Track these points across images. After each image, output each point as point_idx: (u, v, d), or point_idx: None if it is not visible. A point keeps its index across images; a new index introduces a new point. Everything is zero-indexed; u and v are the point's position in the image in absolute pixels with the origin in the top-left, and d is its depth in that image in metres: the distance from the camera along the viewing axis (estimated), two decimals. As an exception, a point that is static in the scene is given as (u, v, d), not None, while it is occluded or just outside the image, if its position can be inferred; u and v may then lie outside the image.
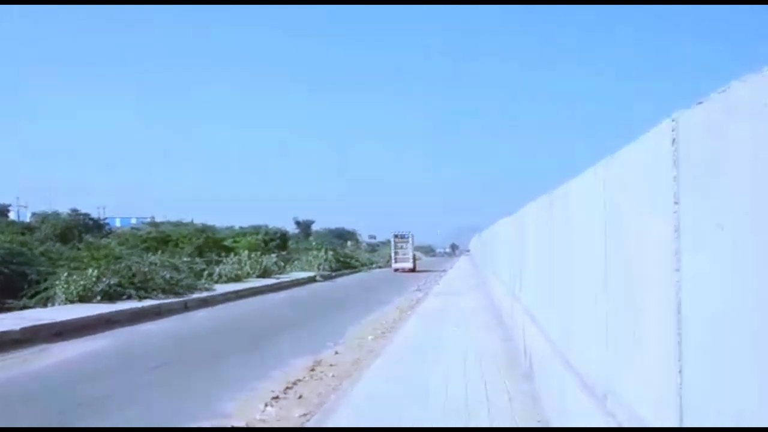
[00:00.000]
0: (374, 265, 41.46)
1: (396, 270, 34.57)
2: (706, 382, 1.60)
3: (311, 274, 26.96)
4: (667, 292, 1.83)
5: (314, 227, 55.74)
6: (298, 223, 54.18)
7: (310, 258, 30.89)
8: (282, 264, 27.61)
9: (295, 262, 31.24)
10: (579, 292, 3.32)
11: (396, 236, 35.89)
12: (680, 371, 1.73)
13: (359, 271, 35.53)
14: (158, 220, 42.51)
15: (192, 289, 16.61)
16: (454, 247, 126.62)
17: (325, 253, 31.32)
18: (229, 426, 5.08)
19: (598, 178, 2.83)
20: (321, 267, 28.64)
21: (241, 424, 5.17)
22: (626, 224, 2.35)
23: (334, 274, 29.49)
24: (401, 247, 35.75)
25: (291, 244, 41.98)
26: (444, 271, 35.31)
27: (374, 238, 70.68)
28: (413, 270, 34.56)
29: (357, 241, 59.00)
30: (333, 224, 58.98)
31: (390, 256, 36.52)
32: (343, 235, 54.00)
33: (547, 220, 4.52)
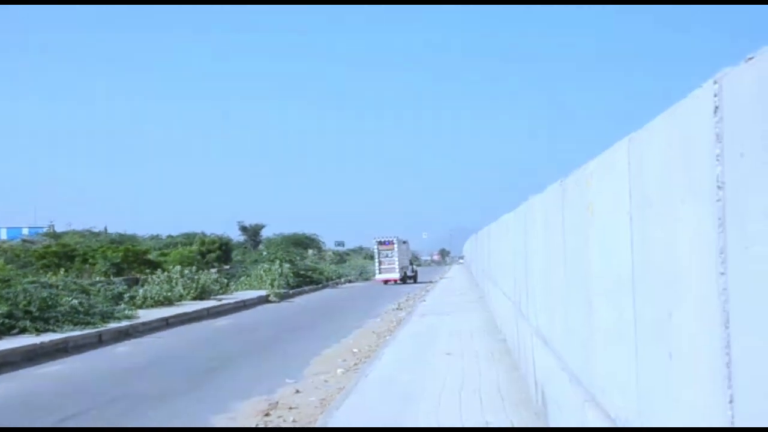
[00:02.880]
0: (343, 279, 41.29)
1: (384, 282, 36.77)
2: (766, 414, 1.59)
3: (263, 293, 26.68)
4: (710, 301, 1.83)
5: (265, 233, 55.00)
6: (244, 229, 53.31)
7: (261, 272, 30.36)
8: (225, 281, 27.29)
9: (242, 278, 30.89)
10: (600, 306, 3.33)
11: (380, 243, 37.60)
12: (731, 401, 1.72)
13: (325, 287, 35.40)
14: (59, 229, 41.58)
15: (108, 317, 16.31)
16: (443, 253, 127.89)
17: (280, 265, 30.82)
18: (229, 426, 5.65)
19: (621, 159, 2.84)
20: (275, 283, 28.25)
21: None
22: (657, 217, 2.36)
23: (292, 291, 29.25)
24: (386, 255, 37.42)
25: (236, 255, 41.53)
26: (431, 283, 35.61)
27: (342, 245, 70.35)
28: (405, 280, 37.11)
29: (320, 249, 58.31)
30: (288, 228, 58.14)
31: (376, 266, 38.47)
32: (302, 243, 53.18)
33: (558, 215, 4.56)
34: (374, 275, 38.61)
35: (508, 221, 9.71)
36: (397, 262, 37.15)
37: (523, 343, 7.55)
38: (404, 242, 39.35)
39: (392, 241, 37.61)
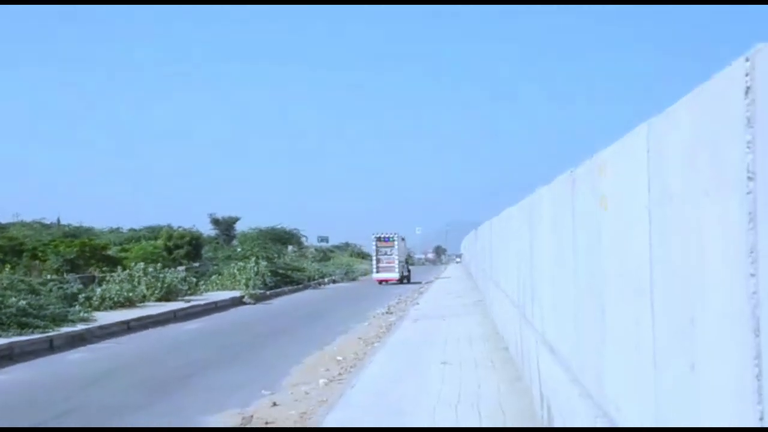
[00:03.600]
0: (327, 279, 41.23)
1: (380, 281, 38.01)
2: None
3: (236, 293, 26.62)
4: (738, 306, 1.82)
5: (240, 227, 54.71)
6: (216, 222, 52.90)
7: (235, 270, 30.26)
8: (194, 280, 27.19)
9: (213, 277, 30.78)
10: (614, 311, 3.34)
11: (378, 239, 38.96)
12: (761, 418, 1.72)
13: (306, 287, 35.37)
14: (4, 220, 41.26)
15: (61, 320, 16.21)
16: (439, 251, 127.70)
17: (256, 263, 30.68)
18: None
19: (639, 146, 2.84)
20: (251, 283, 28.12)
21: None
22: (679, 212, 2.35)
23: (269, 292, 29.21)
24: (384, 253, 38.83)
25: (207, 251, 41.38)
26: (425, 284, 35.70)
27: (325, 241, 70.18)
28: (401, 281, 38.28)
29: (301, 245, 58.21)
30: (266, 222, 57.75)
31: (373, 264, 39.80)
32: (281, 238, 53.02)
33: (568, 210, 4.58)
34: (370, 274, 39.89)
35: (511, 216, 9.72)
36: (396, 261, 38.38)
37: (528, 352, 7.57)
38: (402, 239, 40.33)
39: (393, 237, 38.87)
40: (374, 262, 39.11)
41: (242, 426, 7.64)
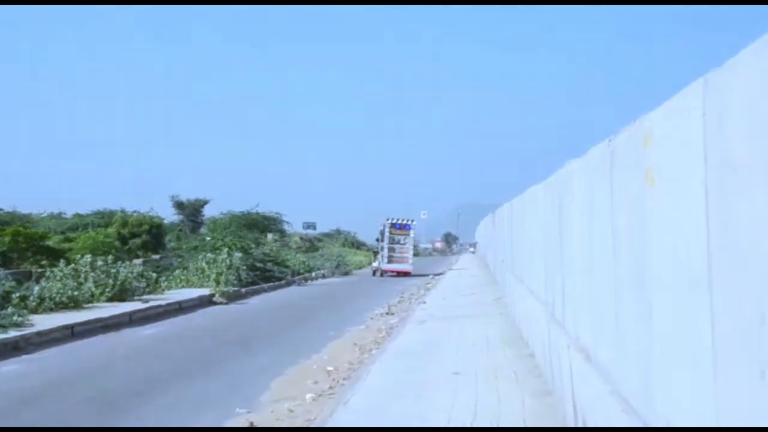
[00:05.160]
0: (315, 273, 41.14)
1: (389, 272, 39.86)
2: None
3: (205, 291, 26.57)
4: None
5: (209, 211, 54.35)
6: (180, 206, 52.47)
7: (203, 264, 30.15)
8: (154, 276, 27.12)
9: (178, 272, 30.65)
10: (663, 309, 3.34)
11: (393, 225, 40.86)
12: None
13: (290, 283, 35.26)
14: None
15: (-10, 325, 16.19)
16: (449, 239, 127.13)
17: (229, 254, 30.61)
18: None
19: (694, 108, 2.81)
20: (222, 279, 28.02)
21: None
22: (744, 186, 2.33)
23: (245, 290, 29.15)
24: (398, 242, 40.82)
25: (170, 240, 41.32)
26: (434, 277, 35.77)
27: (312, 228, 69.71)
28: (409, 273, 39.99)
29: (284, 233, 57.91)
30: (241, 206, 57.47)
31: (380, 253, 41.32)
32: (259, 224, 52.47)
33: (605, 187, 4.60)
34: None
35: (536, 196, 9.72)
36: (410, 252, 40.73)
37: (558, 359, 7.59)
38: (415, 225, 42.07)
39: (409, 224, 41.03)
40: (384, 250, 40.49)
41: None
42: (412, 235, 41.10)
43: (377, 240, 43.54)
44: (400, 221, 40.92)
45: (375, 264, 42.83)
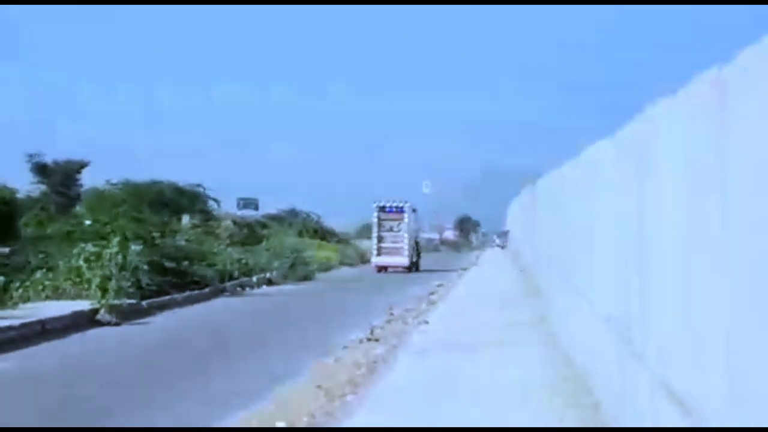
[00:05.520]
0: (258, 278, 33.01)
1: (380, 269, 38.41)
2: None
3: (84, 305, 20.62)
4: None
5: (88, 179, 42.77)
6: (42, 171, 41.77)
7: (81, 262, 22.99)
8: (0, 280, 20.88)
9: (40, 275, 23.66)
10: None
11: (381, 209, 39.07)
12: None
13: (216, 293, 27.85)
14: None
15: None
16: (464, 227, 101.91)
17: (122, 247, 22.66)
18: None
19: None
20: (112, 286, 21.34)
21: None
22: None
23: (147, 303, 22.64)
24: (389, 229, 38.78)
25: (26, 224, 32.24)
26: (444, 275, 33.15)
27: (253, 207, 52.19)
28: (410, 269, 38.23)
29: (207, 214, 43.38)
30: (141, 173, 44.13)
31: (373, 244, 39.46)
32: (169, 202, 39.55)
33: (710, 141, 4.09)
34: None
35: (600, 159, 8.59)
36: (406, 241, 38.43)
37: (639, 412, 6.22)
38: (414, 210, 40.52)
39: (402, 207, 39.05)
40: (374, 240, 39.16)
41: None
42: (407, 220, 38.86)
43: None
44: (389, 204, 39.14)
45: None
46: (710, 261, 4.22)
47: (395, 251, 38.54)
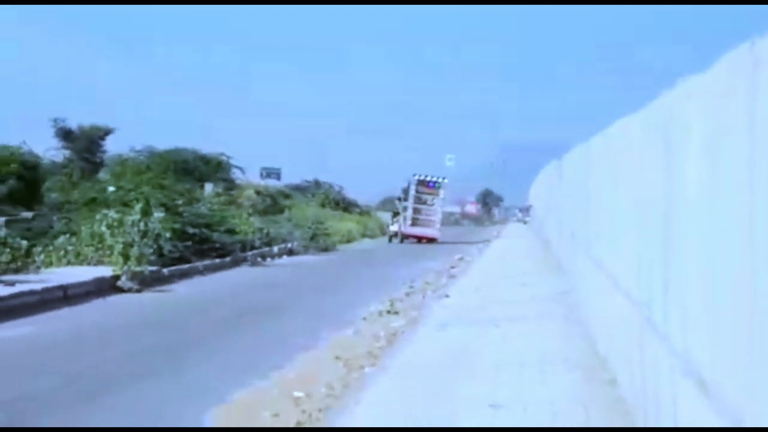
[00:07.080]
0: (280, 248, 33.10)
1: (408, 237, 40.07)
2: None
3: (106, 271, 20.93)
4: None
5: (112, 146, 43.04)
6: (66, 135, 41.69)
7: (103, 228, 23.09)
8: (23, 244, 21.21)
9: (63, 240, 23.91)
10: None
11: (421, 182, 40.89)
12: None
13: (239, 261, 28.08)
14: None
15: None
16: (487, 201, 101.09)
17: (145, 214, 22.92)
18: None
19: None
20: (134, 252, 21.02)
21: None
22: None
23: (168, 270, 22.97)
24: (425, 202, 40.92)
25: (49, 190, 32.54)
26: (459, 259, 32.57)
27: (275, 176, 55.14)
28: (431, 240, 40.03)
29: (232, 183, 44.74)
30: (165, 141, 44.99)
31: (401, 215, 40.88)
32: (192, 169, 40.72)
33: (740, 115, 3.86)
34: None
35: (627, 135, 8.36)
36: (439, 214, 41.57)
37: (657, 389, 6.21)
38: (446, 184, 42.82)
39: (440, 182, 41.40)
40: (408, 210, 40.62)
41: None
42: (442, 196, 41.62)
43: (399, 200, 42.58)
44: (429, 177, 41.29)
45: (393, 228, 42.07)
46: (733, 236, 4.14)
47: (428, 223, 40.59)
